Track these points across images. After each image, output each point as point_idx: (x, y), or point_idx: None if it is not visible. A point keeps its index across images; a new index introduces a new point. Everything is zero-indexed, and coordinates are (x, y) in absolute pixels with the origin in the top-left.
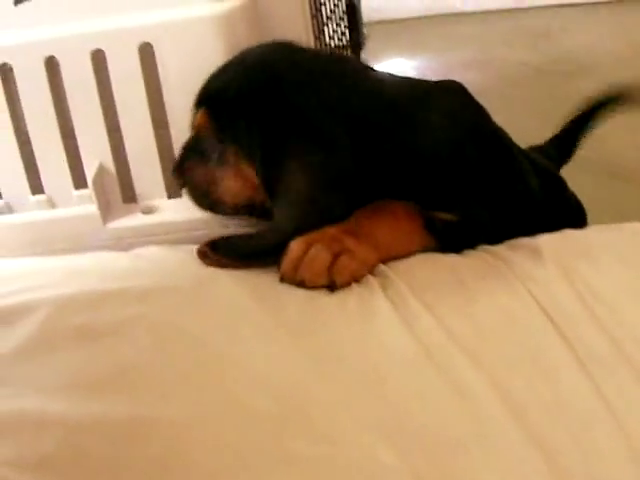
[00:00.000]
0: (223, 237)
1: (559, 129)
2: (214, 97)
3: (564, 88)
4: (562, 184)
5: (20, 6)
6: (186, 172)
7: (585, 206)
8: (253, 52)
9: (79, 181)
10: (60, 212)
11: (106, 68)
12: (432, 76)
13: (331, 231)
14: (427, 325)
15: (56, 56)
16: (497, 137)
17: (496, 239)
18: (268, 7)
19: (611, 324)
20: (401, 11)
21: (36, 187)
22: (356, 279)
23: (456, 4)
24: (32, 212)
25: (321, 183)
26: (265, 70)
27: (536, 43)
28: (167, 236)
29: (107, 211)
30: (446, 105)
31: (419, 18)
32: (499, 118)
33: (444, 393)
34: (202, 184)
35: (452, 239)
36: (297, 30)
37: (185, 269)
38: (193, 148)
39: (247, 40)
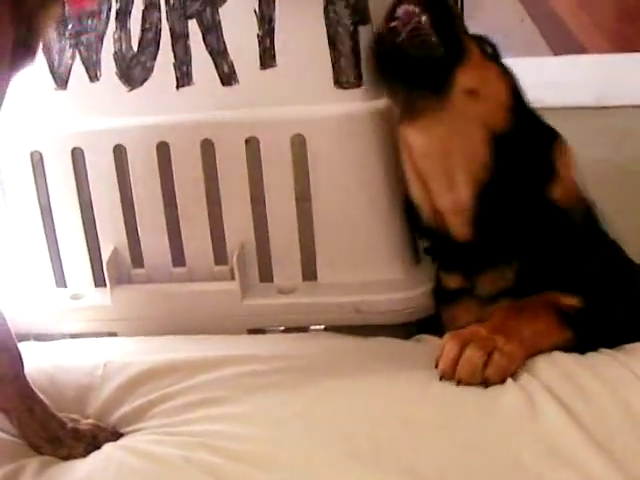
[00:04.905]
0: None
1: None
2: None
3: None
4: None
5: (180, 91)
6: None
7: None
8: None
9: (220, 257)
10: (199, 285)
11: (258, 154)
12: None
13: (482, 330)
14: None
15: (212, 140)
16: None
17: (620, 333)
18: None
19: None
20: None
21: (178, 260)
22: (508, 376)
23: (544, 98)
24: (172, 284)
25: None
26: None
27: (618, 142)
28: (301, 316)
29: (245, 288)
30: None
31: None
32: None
33: None
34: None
35: (586, 330)
36: None
37: None
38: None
39: (391, 139)
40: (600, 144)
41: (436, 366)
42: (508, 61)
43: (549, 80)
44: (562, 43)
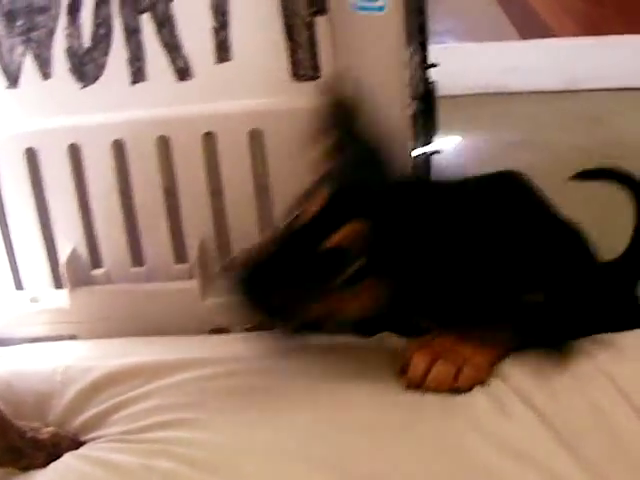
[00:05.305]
0: None
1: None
2: (372, 213)
3: None
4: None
5: (134, 87)
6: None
7: None
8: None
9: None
10: (159, 285)
11: (216, 149)
12: (485, 155)
13: (448, 342)
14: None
15: (169, 136)
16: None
17: (578, 326)
18: (370, 101)
19: None
20: (455, 88)
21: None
22: (477, 384)
23: (510, 83)
24: (131, 284)
25: None
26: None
27: (588, 126)
28: None
29: (206, 287)
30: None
31: (472, 96)
32: (554, 200)
33: None
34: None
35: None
36: (396, 122)
37: None
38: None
39: None
40: (569, 129)
41: (401, 372)
42: (476, 46)
43: (516, 64)
44: (530, 27)
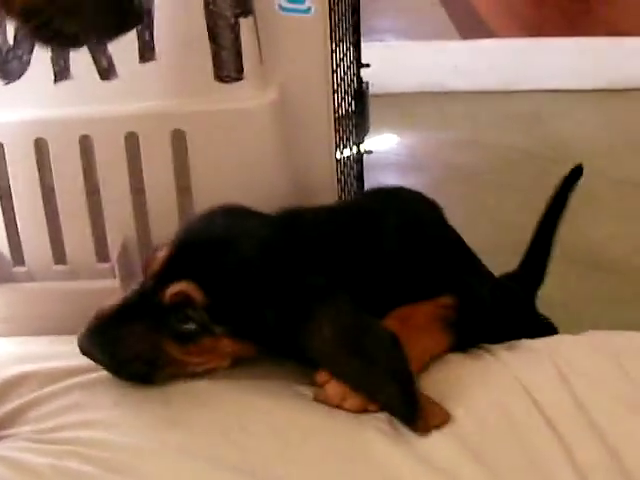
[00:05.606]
0: None
1: (526, 250)
2: (205, 270)
3: (549, 174)
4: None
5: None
6: (124, 342)
7: (569, 297)
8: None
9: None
10: (81, 284)
11: (138, 149)
12: (422, 154)
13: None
14: None
15: (91, 135)
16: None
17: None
18: (295, 104)
19: (611, 434)
20: (393, 86)
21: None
22: None
23: (449, 82)
24: (53, 282)
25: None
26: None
27: (527, 126)
28: None
29: (128, 286)
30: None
31: (411, 94)
32: (488, 201)
33: None
34: (145, 356)
35: (465, 329)
36: (322, 125)
37: None
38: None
39: (274, 135)
40: (508, 129)
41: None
42: (415, 44)
43: (456, 64)
44: (471, 27)
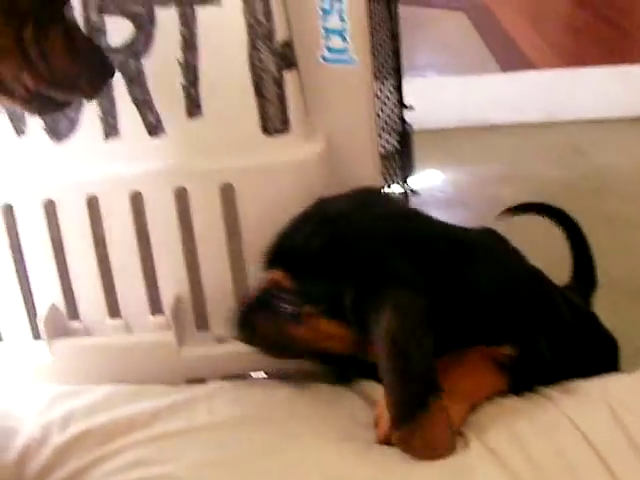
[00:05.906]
0: None
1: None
2: (292, 257)
3: (591, 205)
4: (594, 320)
5: (109, 142)
6: (256, 327)
7: (617, 328)
8: (329, 206)
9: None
10: (136, 337)
11: (188, 204)
12: (466, 189)
13: None
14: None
15: (142, 192)
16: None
17: (553, 372)
18: (342, 152)
19: None
20: (435, 122)
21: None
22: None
23: (490, 116)
24: (109, 336)
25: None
26: (342, 225)
27: (569, 158)
28: (240, 364)
29: (182, 338)
30: (495, 248)
31: (453, 129)
32: (534, 235)
33: None
34: (275, 338)
35: (521, 376)
36: (368, 172)
37: None
38: (262, 304)
39: (323, 185)
40: (550, 161)
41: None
42: (457, 79)
43: (497, 97)
44: (511, 59)
